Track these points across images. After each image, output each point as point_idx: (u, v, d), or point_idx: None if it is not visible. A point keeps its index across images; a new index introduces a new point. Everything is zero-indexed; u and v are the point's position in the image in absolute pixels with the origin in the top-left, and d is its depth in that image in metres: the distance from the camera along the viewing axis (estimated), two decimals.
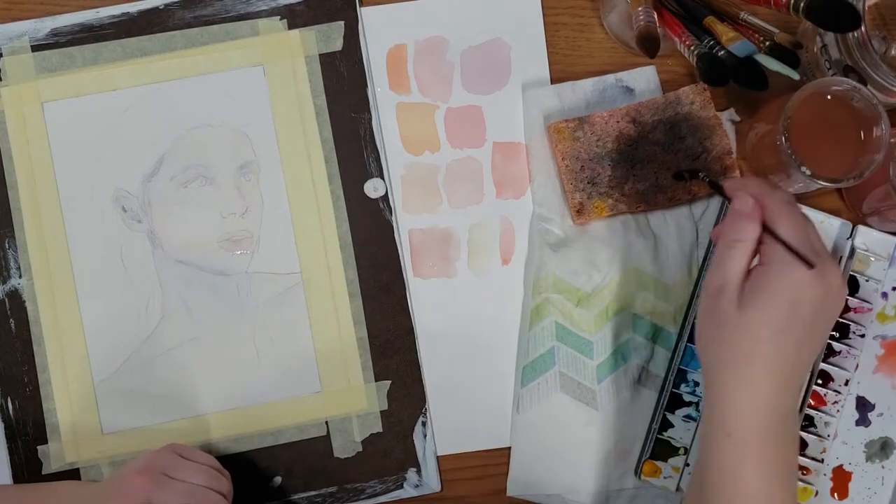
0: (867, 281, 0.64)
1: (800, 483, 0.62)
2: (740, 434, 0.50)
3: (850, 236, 0.64)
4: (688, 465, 0.63)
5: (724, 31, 0.60)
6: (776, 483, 0.50)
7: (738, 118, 0.66)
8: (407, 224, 0.66)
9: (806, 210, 0.65)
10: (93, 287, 0.64)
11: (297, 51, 0.65)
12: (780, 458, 0.50)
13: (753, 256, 0.52)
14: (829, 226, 0.65)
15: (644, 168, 0.64)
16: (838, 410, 0.63)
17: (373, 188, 0.65)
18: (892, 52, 0.63)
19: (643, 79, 0.66)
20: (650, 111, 0.64)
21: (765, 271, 0.51)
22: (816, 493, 0.62)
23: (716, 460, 0.51)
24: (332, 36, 0.66)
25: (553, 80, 0.66)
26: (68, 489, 0.59)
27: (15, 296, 0.64)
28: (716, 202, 0.66)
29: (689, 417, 0.63)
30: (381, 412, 0.64)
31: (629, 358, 0.64)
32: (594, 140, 0.64)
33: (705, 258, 0.65)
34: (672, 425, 0.63)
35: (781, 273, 0.50)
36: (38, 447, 0.63)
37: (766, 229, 0.51)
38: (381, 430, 0.64)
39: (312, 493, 0.64)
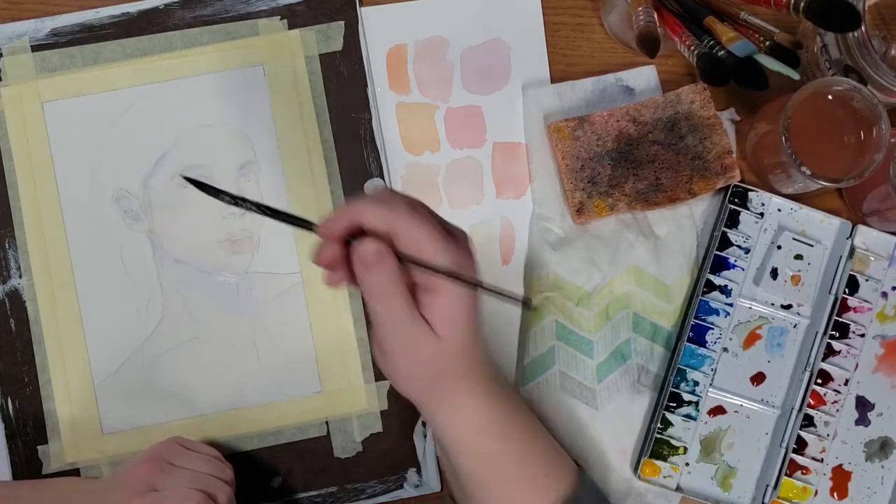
0: (867, 281, 0.64)
1: (799, 483, 0.62)
2: (488, 425, 0.52)
3: (850, 236, 0.65)
4: (687, 464, 0.63)
5: (724, 31, 0.60)
6: (523, 448, 0.53)
7: (737, 118, 0.66)
8: None
9: (806, 210, 0.65)
10: (93, 287, 0.64)
11: (297, 51, 0.65)
12: (522, 425, 0.54)
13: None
14: (829, 226, 0.65)
15: (644, 167, 0.64)
16: (838, 410, 0.63)
17: (373, 188, 0.65)
18: (892, 52, 0.63)
19: (643, 78, 0.66)
20: (650, 110, 0.64)
21: (432, 298, 0.48)
22: (816, 492, 0.62)
23: (474, 457, 0.53)
24: (332, 36, 0.66)
25: (553, 80, 0.66)
26: (68, 485, 0.59)
27: (15, 296, 0.64)
28: (715, 201, 0.66)
29: (688, 417, 0.63)
30: (382, 412, 0.64)
31: (629, 357, 0.64)
32: (594, 139, 0.64)
33: (705, 258, 0.65)
34: (672, 424, 0.63)
35: (452, 296, 0.48)
36: (38, 447, 0.63)
37: (407, 258, 0.47)
38: (381, 430, 0.64)
39: (312, 493, 0.64)
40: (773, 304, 0.64)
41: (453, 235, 0.50)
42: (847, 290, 0.64)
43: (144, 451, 0.57)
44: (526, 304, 0.52)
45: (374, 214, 0.47)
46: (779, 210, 0.65)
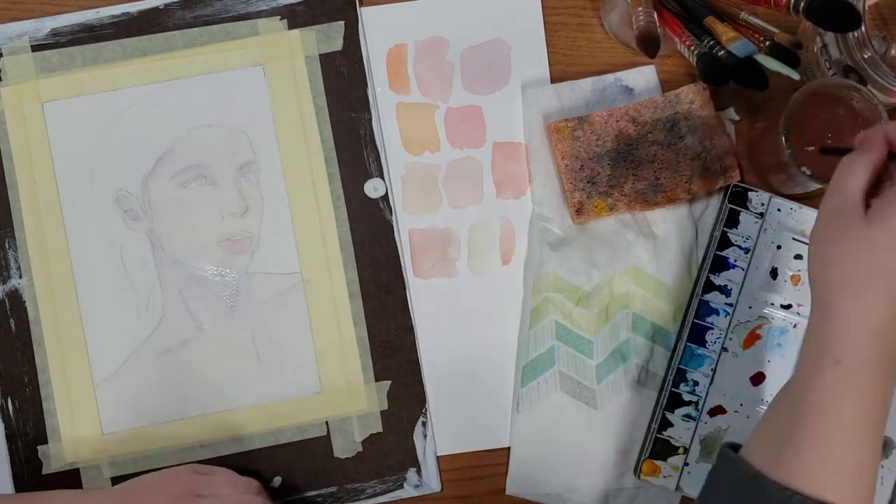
0: None
1: None
2: (852, 361, 0.46)
3: None
4: (686, 464, 0.63)
5: (724, 31, 0.60)
6: (875, 419, 0.47)
7: (737, 117, 0.66)
8: (407, 224, 0.66)
9: (806, 210, 0.65)
10: (93, 287, 0.64)
11: (297, 51, 0.65)
12: (883, 393, 0.47)
13: (878, 177, 0.50)
14: None
15: (644, 167, 0.64)
16: None
17: (373, 188, 0.65)
18: (892, 52, 0.63)
19: (642, 78, 0.66)
20: (649, 110, 0.64)
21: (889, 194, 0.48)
22: None
23: (818, 388, 0.47)
24: (332, 36, 0.66)
25: (553, 80, 0.66)
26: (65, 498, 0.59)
27: (15, 296, 0.64)
28: (715, 201, 0.66)
29: (688, 417, 0.63)
30: (381, 412, 0.64)
31: (629, 357, 0.64)
32: (594, 139, 0.64)
33: (705, 258, 0.65)
34: (671, 424, 0.63)
35: None
36: (38, 447, 0.63)
37: None
38: (381, 430, 0.64)
39: (312, 493, 0.64)
40: (772, 304, 0.64)
41: None
42: None
43: (159, 481, 0.58)
44: None
45: None
46: (779, 210, 0.65)
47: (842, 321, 0.47)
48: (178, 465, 0.62)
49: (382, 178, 0.65)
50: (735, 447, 0.51)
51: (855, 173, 0.49)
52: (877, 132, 0.51)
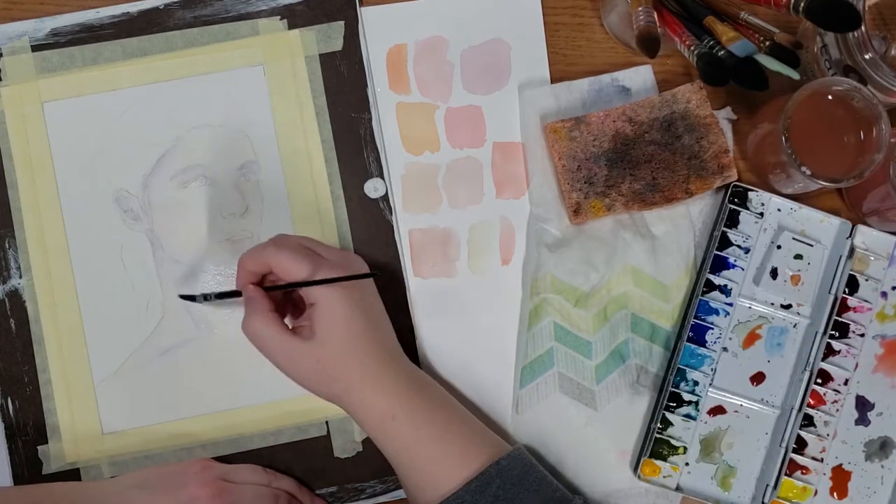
0: (867, 280, 0.64)
1: (799, 482, 0.62)
2: (398, 413, 0.56)
3: (850, 236, 0.65)
4: (687, 464, 0.63)
5: (724, 31, 0.60)
6: (436, 431, 0.56)
7: (734, 116, 0.66)
8: (407, 224, 0.66)
9: (806, 210, 0.65)
10: (93, 287, 0.64)
11: (297, 51, 0.65)
12: (430, 409, 0.57)
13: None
14: (828, 225, 0.65)
15: (641, 167, 0.64)
16: (838, 410, 0.63)
17: (373, 188, 0.65)
18: (892, 52, 0.63)
19: (639, 78, 0.66)
20: (646, 110, 0.64)
21: (313, 310, 0.56)
22: (816, 492, 0.62)
23: (394, 443, 0.56)
24: (332, 36, 0.66)
25: (553, 80, 0.66)
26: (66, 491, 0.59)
27: (15, 296, 0.64)
28: (713, 201, 0.66)
29: (688, 416, 0.63)
30: None
31: (628, 358, 0.64)
32: (591, 140, 0.64)
33: (705, 257, 0.65)
34: (671, 424, 0.63)
35: (324, 303, 0.56)
36: (38, 447, 0.63)
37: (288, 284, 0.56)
38: None
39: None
40: (772, 304, 0.65)
41: (316, 252, 0.58)
42: (847, 289, 0.64)
43: (170, 473, 0.59)
44: (375, 275, 0.58)
45: (251, 262, 0.57)
46: (779, 210, 0.65)
47: (368, 407, 0.57)
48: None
49: (382, 178, 0.65)
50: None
51: (257, 319, 0.56)
52: (239, 278, 0.58)
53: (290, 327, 0.57)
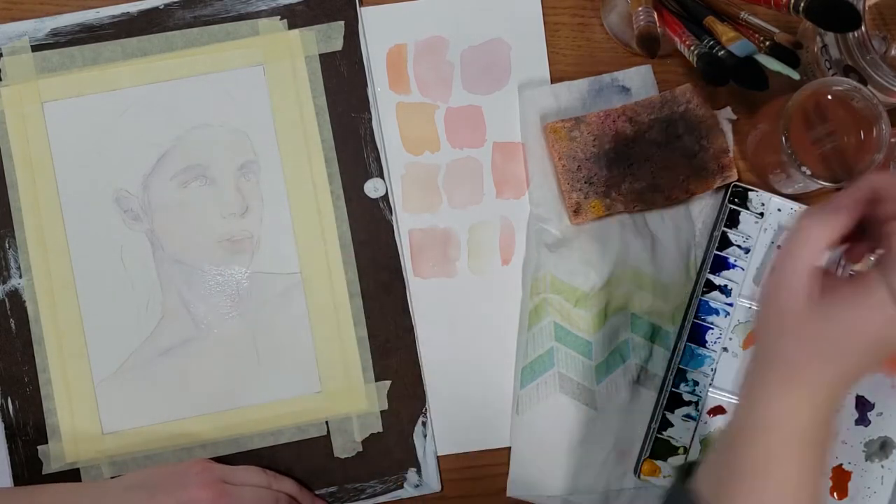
0: None
1: None
2: (785, 434, 0.45)
3: None
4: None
5: (724, 31, 0.60)
6: (809, 480, 0.45)
7: (734, 116, 0.66)
8: (407, 224, 0.66)
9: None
10: (93, 287, 0.64)
11: (297, 51, 0.65)
12: (814, 466, 0.46)
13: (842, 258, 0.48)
14: None
15: (641, 167, 0.64)
16: (837, 410, 0.63)
17: (373, 188, 0.65)
18: (892, 52, 0.63)
19: (639, 78, 0.66)
20: (646, 110, 0.64)
21: (866, 287, 0.44)
22: None
23: (751, 452, 0.46)
24: (332, 36, 0.66)
25: (553, 80, 0.66)
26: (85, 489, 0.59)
27: (15, 296, 0.64)
28: (713, 201, 0.66)
29: (688, 417, 0.63)
30: (381, 412, 0.64)
31: (628, 358, 0.64)
32: (591, 140, 0.64)
33: (705, 257, 0.65)
34: (671, 424, 0.63)
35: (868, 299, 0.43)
36: (38, 447, 0.63)
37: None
38: (381, 430, 0.64)
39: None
40: None
41: None
42: None
43: (170, 474, 0.58)
44: None
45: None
46: (779, 210, 0.65)
47: (783, 396, 0.46)
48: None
49: (382, 177, 0.65)
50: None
51: (808, 243, 0.44)
52: (861, 188, 0.45)
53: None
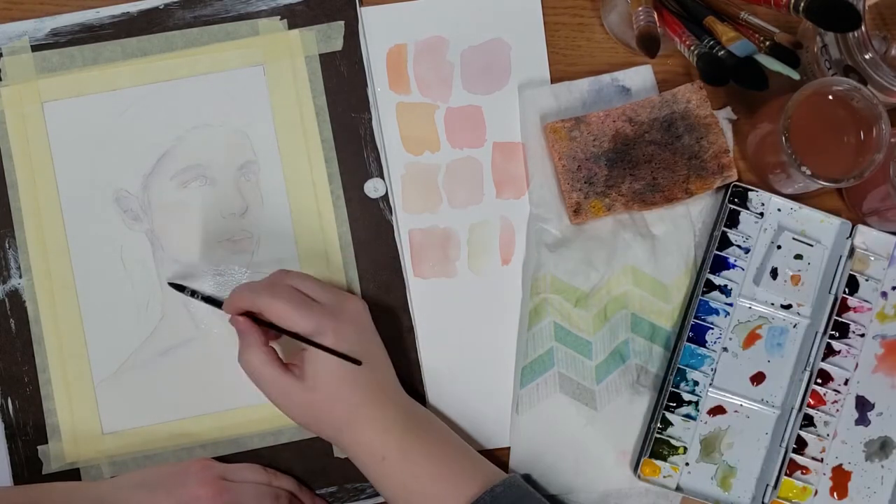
0: (867, 280, 0.64)
1: (799, 482, 0.62)
2: (390, 452, 0.56)
3: (850, 236, 0.65)
4: (687, 464, 0.63)
5: (724, 31, 0.60)
6: (430, 467, 0.56)
7: (734, 116, 0.66)
8: (407, 224, 0.66)
9: (806, 210, 0.65)
10: (93, 287, 0.64)
11: (297, 51, 0.65)
12: (424, 445, 0.57)
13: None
14: (828, 225, 0.65)
15: (641, 167, 0.64)
16: (838, 410, 0.63)
17: (373, 188, 0.65)
18: (892, 52, 0.63)
19: (639, 78, 0.66)
20: (646, 110, 0.64)
21: (304, 353, 0.57)
22: (816, 492, 0.62)
23: (388, 481, 0.56)
24: (332, 36, 0.66)
25: (553, 80, 0.66)
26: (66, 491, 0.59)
27: (15, 296, 0.64)
28: (713, 201, 0.66)
29: (688, 416, 0.63)
30: None
31: (628, 358, 0.64)
32: (591, 140, 0.64)
33: (705, 257, 0.65)
34: (671, 424, 0.63)
35: (314, 350, 0.56)
36: (38, 447, 0.63)
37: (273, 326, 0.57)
38: None
39: None
40: (772, 304, 0.65)
41: (311, 298, 0.58)
42: (847, 289, 0.64)
43: (170, 473, 0.59)
44: (357, 363, 0.57)
45: (244, 302, 0.57)
46: (779, 210, 0.65)
47: (364, 444, 0.57)
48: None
49: (382, 177, 0.65)
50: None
51: (252, 355, 0.57)
52: (230, 306, 0.58)
53: (285, 361, 0.58)
